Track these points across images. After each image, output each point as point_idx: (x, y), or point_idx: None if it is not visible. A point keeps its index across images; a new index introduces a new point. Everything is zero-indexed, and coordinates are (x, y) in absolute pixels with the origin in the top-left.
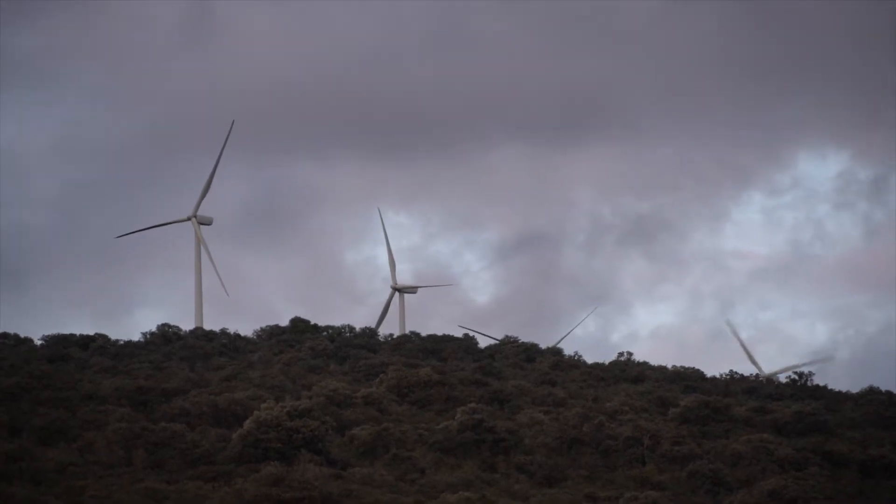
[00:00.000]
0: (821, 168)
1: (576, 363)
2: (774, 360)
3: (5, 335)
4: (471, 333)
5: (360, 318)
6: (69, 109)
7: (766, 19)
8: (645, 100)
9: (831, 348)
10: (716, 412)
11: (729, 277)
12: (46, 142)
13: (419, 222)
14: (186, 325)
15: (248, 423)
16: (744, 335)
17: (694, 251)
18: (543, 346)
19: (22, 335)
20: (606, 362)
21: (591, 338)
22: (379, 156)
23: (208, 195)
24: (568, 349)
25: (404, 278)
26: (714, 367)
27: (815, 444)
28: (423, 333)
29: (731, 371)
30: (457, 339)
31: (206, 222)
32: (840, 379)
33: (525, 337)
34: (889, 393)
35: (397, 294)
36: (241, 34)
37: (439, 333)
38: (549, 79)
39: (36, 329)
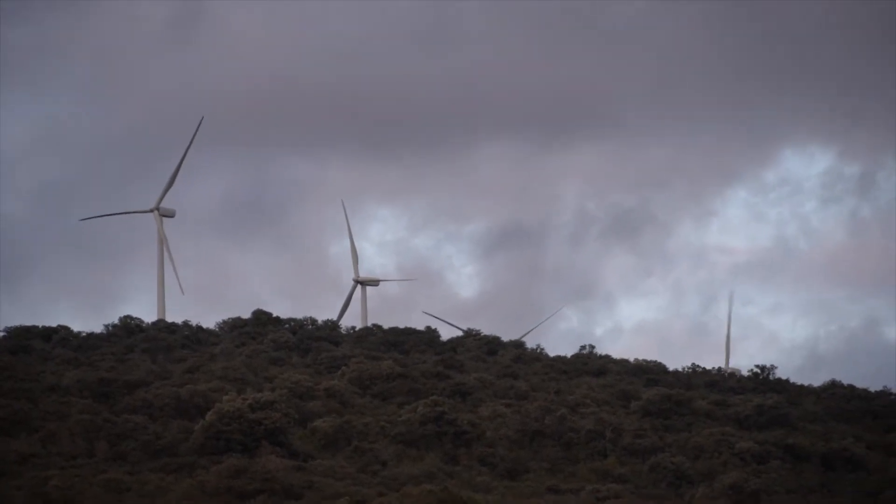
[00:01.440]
0: (807, 165)
1: (538, 356)
2: (756, 357)
3: None
4: (434, 324)
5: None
6: (54, 105)
7: (752, 18)
8: (633, 98)
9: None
10: (678, 405)
11: (713, 273)
12: (29, 136)
13: (405, 216)
14: (175, 317)
15: (210, 415)
16: (724, 331)
17: (679, 247)
18: (527, 341)
19: (40, 326)
20: (569, 355)
21: (574, 332)
22: (366, 151)
23: (190, 189)
24: (551, 344)
25: (387, 272)
26: (696, 362)
27: (777, 438)
28: (409, 327)
29: (693, 364)
30: (419, 331)
31: (168, 214)
32: (821, 374)
33: (508, 331)
34: (851, 387)
35: (359, 287)
36: (230, 31)
37: (409, 326)
38: (537, 77)
39: (18, 321)
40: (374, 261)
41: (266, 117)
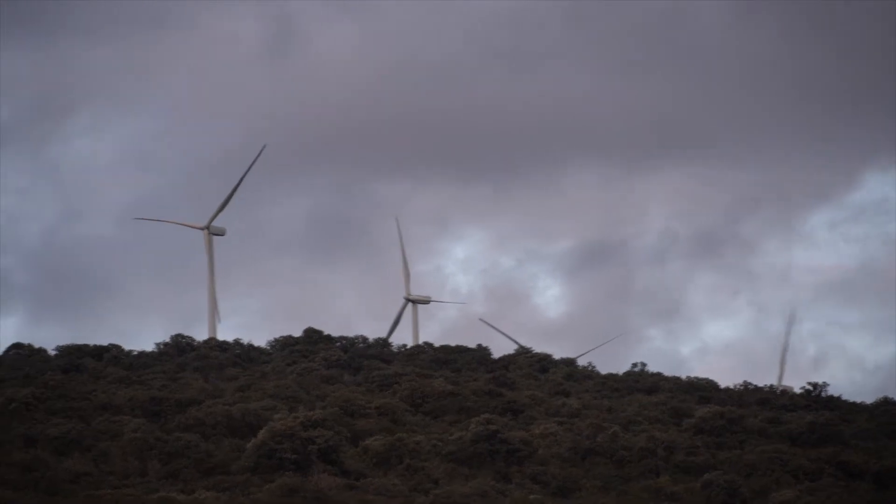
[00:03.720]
0: (893, 185)
1: (590, 374)
2: (837, 377)
3: (19, 345)
4: (490, 334)
5: (430, 332)
6: (147, 123)
7: (839, 40)
8: (719, 120)
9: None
10: (730, 423)
11: (798, 293)
12: (121, 155)
13: (491, 237)
14: (255, 334)
15: (262, 434)
16: (811, 350)
17: (764, 266)
18: (609, 361)
19: (91, 345)
20: (621, 373)
21: (659, 352)
22: (454, 171)
23: (277, 208)
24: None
25: (473, 291)
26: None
27: (830, 455)
28: (460, 345)
29: (745, 382)
30: (470, 349)
31: (219, 233)
32: None
33: (594, 352)
34: None
35: (410, 305)
36: (320, 52)
37: (461, 345)
38: (625, 99)
39: (107, 340)
40: (458, 279)
41: (354, 137)
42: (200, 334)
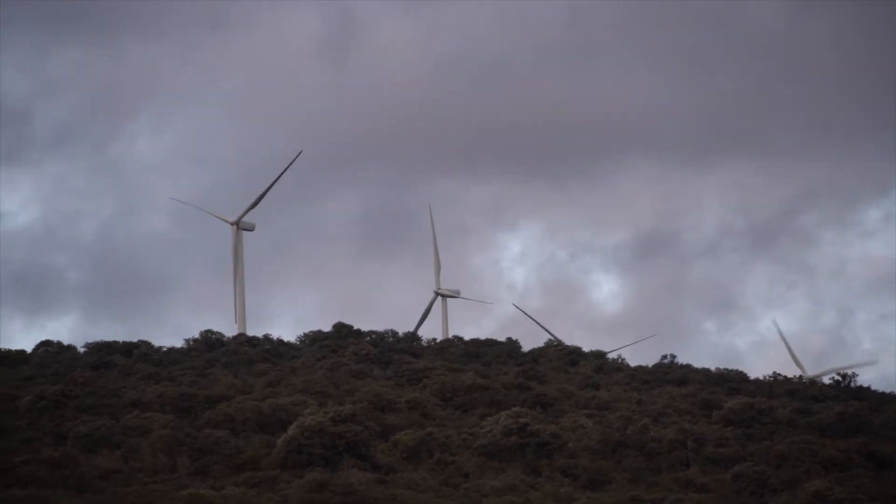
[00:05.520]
0: None
1: (619, 366)
2: (887, 367)
3: (48, 343)
4: (523, 321)
5: (487, 327)
6: (206, 121)
7: None
8: (777, 114)
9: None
10: (760, 414)
11: (853, 286)
12: (174, 151)
13: (547, 231)
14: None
15: (291, 429)
16: (866, 345)
17: (821, 259)
18: (661, 354)
19: (120, 342)
20: (650, 365)
21: (713, 344)
22: (512, 167)
23: (337, 203)
24: (691, 358)
25: (528, 285)
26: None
27: (859, 445)
28: (489, 339)
29: (774, 373)
30: (500, 343)
31: (248, 228)
32: None
33: (649, 345)
34: None
35: (440, 298)
36: (379, 48)
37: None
38: (683, 93)
39: (158, 336)
40: (515, 273)
41: (412, 132)
42: (259, 330)
